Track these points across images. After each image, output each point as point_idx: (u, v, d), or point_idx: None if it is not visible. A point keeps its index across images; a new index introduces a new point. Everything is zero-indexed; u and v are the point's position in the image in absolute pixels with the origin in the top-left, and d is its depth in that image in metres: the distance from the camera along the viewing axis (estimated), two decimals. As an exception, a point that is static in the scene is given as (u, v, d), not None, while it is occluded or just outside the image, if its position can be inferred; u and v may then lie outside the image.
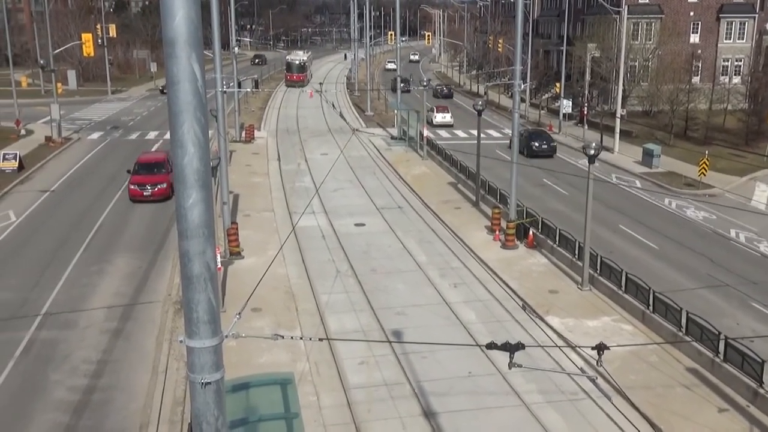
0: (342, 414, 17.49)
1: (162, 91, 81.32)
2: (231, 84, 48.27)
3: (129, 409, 17.81)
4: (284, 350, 20.20)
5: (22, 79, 75.58)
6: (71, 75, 72.17)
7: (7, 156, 42.74)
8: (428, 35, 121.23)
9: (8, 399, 18.05)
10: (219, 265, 22.02)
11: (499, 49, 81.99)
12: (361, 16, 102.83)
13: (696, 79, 61.94)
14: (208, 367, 6.16)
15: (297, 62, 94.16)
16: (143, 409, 17.68)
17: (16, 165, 42.24)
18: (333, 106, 58.20)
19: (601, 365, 14.35)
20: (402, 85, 63.60)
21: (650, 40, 65.22)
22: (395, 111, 58.69)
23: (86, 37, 61.63)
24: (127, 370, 19.70)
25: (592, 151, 24.40)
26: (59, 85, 57.04)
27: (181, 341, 6.30)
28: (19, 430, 16.80)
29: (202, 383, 6.16)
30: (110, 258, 28.25)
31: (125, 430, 16.94)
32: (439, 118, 60.93)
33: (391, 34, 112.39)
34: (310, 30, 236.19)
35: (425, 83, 52.28)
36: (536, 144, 48.26)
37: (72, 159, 47.23)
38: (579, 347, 20.18)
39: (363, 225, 33.04)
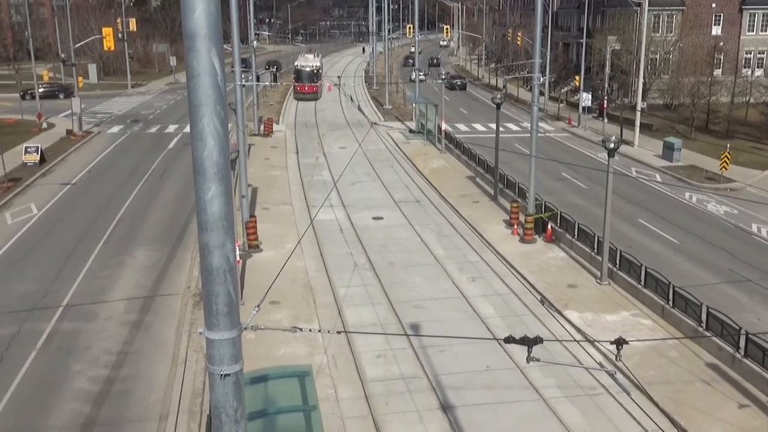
0: (359, 407, 17.55)
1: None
2: (249, 77, 48.42)
3: (149, 399, 17.98)
4: (302, 343, 20.29)
5: (44, 73, 76.17)
6: (92, 69, 72.91)
7: (29, 149, 43.20)
8: (446, 28, 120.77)
9: (31, 389, 18.29)
10: (238, 258, 22.17)
11: (518, 42, 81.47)
12: (379, 9, 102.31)
13: (718, 72, 61.19)
14: (227, 359, 6.20)
15: (308, 69, 74.93)
16: (163, 400, 17.85)
17: (38, 158, 42.68)
18: (351, 99, 58.24)
19: (620, 360, 14.26)
20: (421, 75, 63.34)
21: (671, 32, 64.51)
22: (413, 104, 58.58)
23: (107, 31, 62.17)
24: (147, 361, 19.89)
25: (612, 145, 24.21)
26: (80, 78, 57.48)
27: (200, 333, 6.35)
28: (42, 420, 17.03)
29: (222, 375, 6.21)
30: (130, 250, 28.49)
31: (145, 420, 17.12)
32: None
33: (410, 28, 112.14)
34: (328, 24, 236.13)
35: (444, 76, 52.06)
36: (455, 81, 76.06)
37: (93, 152, 47.65)
38: (597, 342, 20.08)
39: (381, 218, 33.06)
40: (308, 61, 76.06)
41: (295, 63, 77.37)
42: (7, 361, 19.63)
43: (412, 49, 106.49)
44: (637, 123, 49.07)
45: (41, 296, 23.91)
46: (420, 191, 38.10)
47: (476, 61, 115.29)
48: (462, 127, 58.47)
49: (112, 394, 18.17)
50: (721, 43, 65.69)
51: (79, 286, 24.89)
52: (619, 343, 13.30)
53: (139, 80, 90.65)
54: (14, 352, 20.11)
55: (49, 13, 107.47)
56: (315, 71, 75.07)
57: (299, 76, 74.81)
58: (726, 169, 38.72)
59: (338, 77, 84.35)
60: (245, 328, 6.51)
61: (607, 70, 59.21)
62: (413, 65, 60.88)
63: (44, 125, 54.55)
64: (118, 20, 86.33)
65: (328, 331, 11.56)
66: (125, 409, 17.60)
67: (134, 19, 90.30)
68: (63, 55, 58.96)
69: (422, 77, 63.65)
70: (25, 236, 30.18)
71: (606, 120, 54.68)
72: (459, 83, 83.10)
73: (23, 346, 20.41)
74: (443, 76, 51.80)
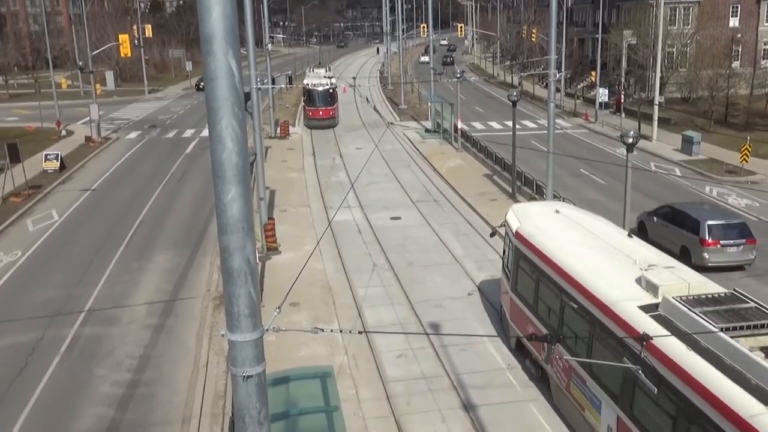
0: (381, 407, 17.54)
1: (198, 87, 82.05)
2: (265, 81, 48.57)
3: (172, 402, 18.09)
4: (323, 344, 20.32)
5: (62, 81, 77.04)
6: (109, 76, 73.59)
7: (49, 156, 43.66)
8: (461, 27, 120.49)
9: (56, 394, 18.46)
10: (257, 261, 22.27)
11: (533, 39, 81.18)
12: (393, 9, 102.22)
13: (736, 64, 60.52)
14: (249, 361, 6.23)
15: (321, 89, 58.24)
16: (186, 403, 17.95)
17: (58, 165, 43.12)
18: (367, 100, 58.22)
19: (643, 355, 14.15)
20: (436, 73, 63.23)
21: (688, 24, 63.97)
22: (429, 104, 58.50)
23: (123, 38, 62.72)
24: (170, 364, 20.01)
25: (630, 140, 24.01)
26: (98, 86, 58.09)
27: (222, 335, 6.38)
28: (68, 424, 17.18)
29: (244, 376, 6.23)
30: (150, 255, 28.70)
31: (169, 423, 17.22)
32: None
33: (424, 27, 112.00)
34: (342, 25, 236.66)
35: (459, 75, 51.92)
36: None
37: (111, 158, 48.06)
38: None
39: (399, 218, 33.04)
40: (320, 79, 59.69)
41: (305, 81, 60.85)
42: (31, 366, 19.83)
43: (425, 59, 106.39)
44: (655, 117, 48.68)
45: (64, 302, 24.14)
46: (437, 190, 38.04)
47: (491, 59, 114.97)
48: (478, 125, 58.32)
49: (136, 398, 18.30)
50: (739, 35, 64.99)
51: (100, 290, 25.11)
52: (643, 339, 13.21)
53: (155, 86, 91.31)
54: (38, 357, 20.32)
55: (67, 22, 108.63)
56: (330, 91, 58.48)
57: (310, 98, 58.40)
58: (746, 161, 38.30)
59: (353, 78, 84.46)
60: (267, 330, 6.53)
61: (624, 64, 58.78)
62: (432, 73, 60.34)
63: (63, 133, 55.10)
64: (134, 27, 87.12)
65: (350, 332, 11.57)
66: (149, 412, 17.72)
67: (150, 26, 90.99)
68: (81, 63, 59.49)
69: (432, 66, 63.54)
70: (47, 242, 30.49)
71: (623, 115, 54.30)
72: (450, 59, 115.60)
73: (47, 352, 20.61)
74: (457, 75, 51.77)
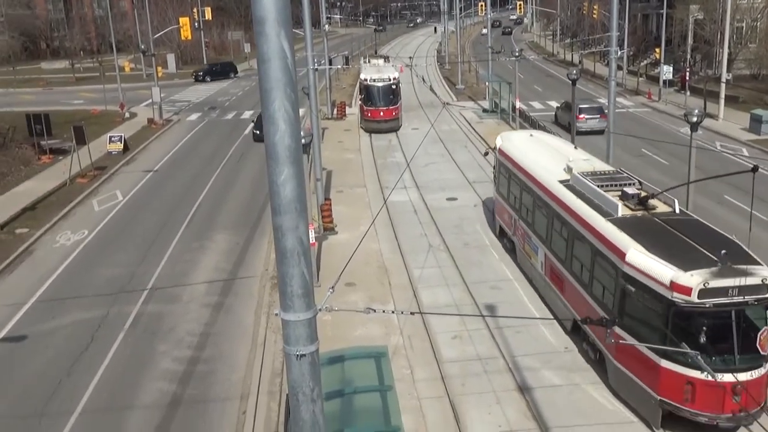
0: (436, 387, 17.57)
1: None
2: (322, 61, 48.73)
3: (231, 379, 18.50)
4: (378, 324, 20.45)
5: (125, 65, 78.77)
6: (170, 58, 74.94)
7: (113, 138, 44.87)
8: (519, 4, 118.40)
9: (120, 368, 19.09)
10: (313, 241, 22.47)
11: (594, 16, 79.22)
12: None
13: (810, 39, 57.90)
14: (302, 340, 6.30)
15: (381, 85, 48.04)
16: (244, 380, 18.33)
17: (122, 147, 44.28)
18: (423, 80, 57.81)
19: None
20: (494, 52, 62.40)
21: (758, -2, 61.41)
22: (486, 83, 57.80)
23: (183, 21, 63.66)
24: (228, 342, 20.45)
25: (695, 118, 23.22)
26: (159, 68, 59.14)
27: (276, 314, 6.47)
28: (132, 398, 17.76)
29: (297, 355, 6.31)
30: (210, 235, 29.27)
31: (228, 399, 17.62)
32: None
33: (482, 5, 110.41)
34: (399, 5, 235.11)
35: (517, 53, 51.11)
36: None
37: (173, 140, 49.07)
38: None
39: (455, 199, 32.86)
40: (380, 72, 49.76)
41: (361, 76, 50.90)
42: (97, 342, 20.53)
43: (485, 31, 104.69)
44: (722, 95, 47.01)
45: (127, 280, 24.87)
46: (494, 171, 37.64)
47: (550, 37, 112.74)
48: (536, 104, 57.38)
49: (196, 374, 18.77)
50: (814, 8, 62.08)
51: (162, 269, 25.76)
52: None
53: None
54: (104, 333, 21.02)
55: (129, 6, 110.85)
56: (392, 87, 48.32)
57: (369, 95, 48.12)
58: (819, 140, 36.74)
59: (410, 58, 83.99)
60: (320, 310, 6.59)
61: (690, 40, 56.92)
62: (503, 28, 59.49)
63: (127, 115, 56.47)
64: (194, 10, 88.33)
65: (402, 312, 11.61)
66: (208, 388, 18.16)
67: (209, 8, 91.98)
68: (143, 46, 60.73)
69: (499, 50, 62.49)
70: (112, 222, 31.40)
71: (688, 93, 52.65)
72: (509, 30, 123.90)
73: (112, 328, 21.30)
74: (516, 53, 51.04)
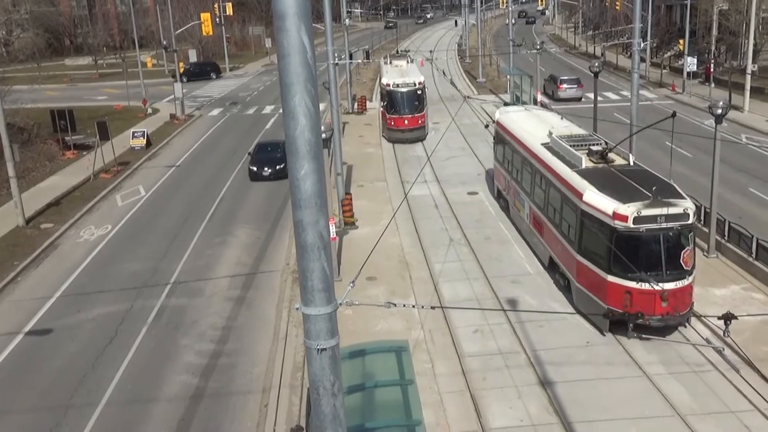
0: (457, 382, 17.56)
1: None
2: (342, 56, 48.71)
3: (253, 373, 18.62)
4: (399, 318, 20.46)
5: (148, 60, 79.34)
6: (192, 54, 75.28)
7: (136, 134, 45.26)
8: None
9: (144, 361, 19.29)
10: (334, 235, 22.51)
11: (617, 7, 78.40)
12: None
13: (838, 29, 56.87)
14: (323, 334, 6.32)
15: (405, 90, 42.71)
16: (266, 374, 18.44)
17: (144, 142, 44.65)
18: (444, 73, 57.46)
19: (728, 336, 13.69)
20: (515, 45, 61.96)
21: (785, -12, 60.36)
22: (507, 76, 57.48)
23: (205, 16, 64.09)
24: (250, 336, 20.58)
25: (720, 110, 22.98)
26: (181, 64, 59.52)
27: (297, 309, 6.50)
28: (155, 390, 17.94)
29: (318, 349, 6.33)
30: (232, 229, 29.45)
31: (250, 393, 17.74)
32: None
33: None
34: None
35: (538, 46, 50.78)
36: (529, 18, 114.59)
37: (195, 135, 49.38)
38: (704, 317, 19.29)
39: (476, 193, 32.75)
40: (403, 76, 44.52)
41: (382, 80, 45.26)
42: (121, 335, 20.76)
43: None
44: (747, 87, 46.33)
45: (151, 274, 25.10)
46: (515, 165, 37.44)
47: (572, 29, 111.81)
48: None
49: (218, 368, 18.92)
50: (842, -3, 60.91)
51: (185, 263, 25.97)
52: (728, 318, 12.79)
53: (236, 63, 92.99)
54: (127, 327, 21.24)
55: (152, 2, 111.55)
56: (417, 93, 42.82)
57: (392, 102, 43.11)
58: None
59: (430, 52, 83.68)
60: (340, 304, 6.60)
61: (714, 31, 56.13)
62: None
63: (149, 111, 56.91)
64: (216, 5, 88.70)
65: (423, 306, 11.59)
66: (230, 381, 18.30)
67: (230, 4, 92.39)
68: (165, 42, 61.13)
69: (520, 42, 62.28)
70: (135, 217, 31.70)
71: (713, 85, 51.99)
72: (531, 20, 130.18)
73: (135, 322, 21.52)
74: (537, 46, 50.85)
